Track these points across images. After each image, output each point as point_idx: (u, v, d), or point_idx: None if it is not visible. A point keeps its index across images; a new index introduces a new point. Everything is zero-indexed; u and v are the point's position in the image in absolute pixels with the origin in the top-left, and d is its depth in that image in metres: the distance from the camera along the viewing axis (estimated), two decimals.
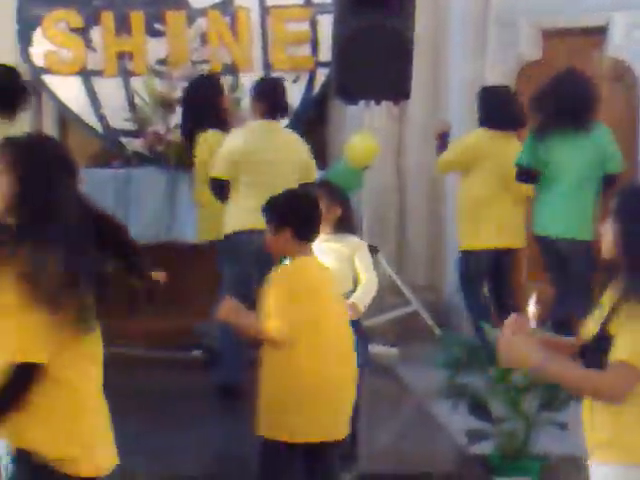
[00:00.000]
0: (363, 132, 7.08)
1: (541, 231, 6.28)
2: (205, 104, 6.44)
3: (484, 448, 4.87)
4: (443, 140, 6.95)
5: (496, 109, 6.67)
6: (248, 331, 4.08)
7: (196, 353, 6.76)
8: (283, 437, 3.94)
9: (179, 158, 7.10)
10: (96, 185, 6.25)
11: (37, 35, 7.66)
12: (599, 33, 7.53)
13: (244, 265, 5.88)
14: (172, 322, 6.74)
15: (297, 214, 4.10)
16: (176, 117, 7.25)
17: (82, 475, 3.17)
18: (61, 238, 2.97)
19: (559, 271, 6.30)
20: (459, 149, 6.71)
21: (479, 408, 4.86)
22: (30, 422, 3.07)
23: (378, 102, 7.16)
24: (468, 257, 6.74)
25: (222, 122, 6.41)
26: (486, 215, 6.59)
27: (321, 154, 7.90)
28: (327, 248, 4.82)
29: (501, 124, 6.61)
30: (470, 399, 4.90)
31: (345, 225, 4.96)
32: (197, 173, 6.32)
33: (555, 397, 4.73)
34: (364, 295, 4.87)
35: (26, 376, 2.95)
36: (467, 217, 6.73)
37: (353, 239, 4.99)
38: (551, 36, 7.72)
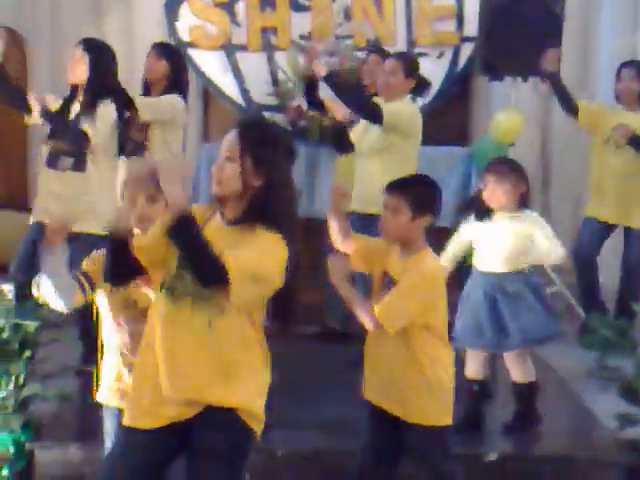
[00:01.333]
0: (509, 109, 6.99)
1: None
2: None
3: (634, 433, 4.76)
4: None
5: None
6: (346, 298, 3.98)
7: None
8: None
9: (322, 133, 7.11)
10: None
11: (183, 10, 7.76)
12: None
13: None
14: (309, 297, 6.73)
15: (438, 204, 4.00)
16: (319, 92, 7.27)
17: (257, 431, 3.33)
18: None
19: None
20: None
21: (630, 392, 4.76)
22: (233, 379, 3.25)
23: (525, 79, 7.05)
24: None
25: None
26: None
27: (465, 130, 7.89)
28: (508, 225, 4.84)
29: None
30: (621, 382, 4.80)
31: (526, 201, 4.90)
32: None
33: None
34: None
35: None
36: None
37: (532, 214, 4.94)
38: None
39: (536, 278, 5.02)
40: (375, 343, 4.04)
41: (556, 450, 4.93)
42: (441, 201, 4.01)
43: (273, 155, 3.21)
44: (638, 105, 6.59)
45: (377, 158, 5.82)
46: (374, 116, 5.76)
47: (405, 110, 5.92)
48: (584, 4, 7.65)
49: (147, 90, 6.32)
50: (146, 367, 3.32)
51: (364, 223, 5.14)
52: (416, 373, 3.94)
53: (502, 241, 4.90)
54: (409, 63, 6.09)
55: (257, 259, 3.10)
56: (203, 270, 3.09)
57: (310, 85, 6.31)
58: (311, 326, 6.58)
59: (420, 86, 6.07)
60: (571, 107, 6.75)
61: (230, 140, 3.19)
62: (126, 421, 3.33)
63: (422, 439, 4.00)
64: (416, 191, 3.96)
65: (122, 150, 5.88)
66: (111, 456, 3.43)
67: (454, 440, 4.40)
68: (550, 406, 5.30)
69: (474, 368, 5.00)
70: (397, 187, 3.99)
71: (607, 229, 6.74)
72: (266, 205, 3.18)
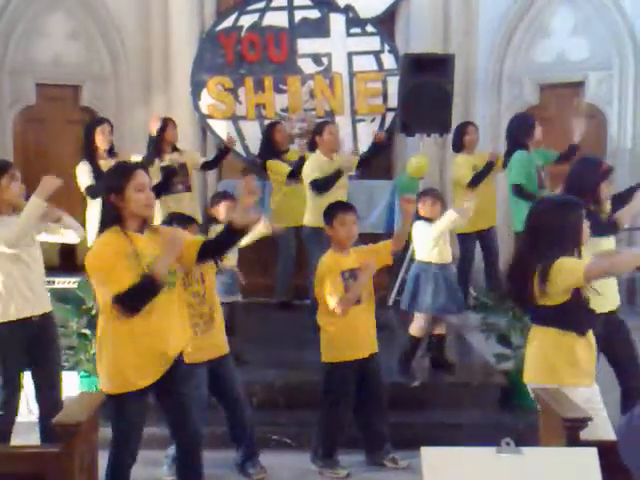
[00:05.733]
0: (418, 155, 6.99)
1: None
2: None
3: (506, 366, 4.82)
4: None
5: None
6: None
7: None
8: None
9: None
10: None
11: (204, 93, 7.67)
12: (579, 86, 7.36)
13: None
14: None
15: None
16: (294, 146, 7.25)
17: None
18: None
19: None
20: None
21: (504, 339, 4.81)
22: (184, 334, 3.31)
23: (428, 135, 7.05)
24: None
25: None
26: None
27: (389, 170, 7.88)
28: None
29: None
30: (497, 333, 4.84)
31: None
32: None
33: None
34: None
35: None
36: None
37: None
38: (546, 88, 7.57)
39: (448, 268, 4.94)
40: (354, 316, 4.02)
41: (457, 378, 4.95)
42: None
43: None
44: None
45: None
46: None
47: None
48: (465, 85, 7.63)
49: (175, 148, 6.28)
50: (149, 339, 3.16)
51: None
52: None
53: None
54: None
55: None
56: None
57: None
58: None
59: None
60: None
61: None
62: (131, 386, 3.12)
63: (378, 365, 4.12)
64: None
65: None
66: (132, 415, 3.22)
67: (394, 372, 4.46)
68: (452, 350, 5.34)
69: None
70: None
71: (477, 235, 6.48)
72: None
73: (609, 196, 4.06)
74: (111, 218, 3.09)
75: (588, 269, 2.96)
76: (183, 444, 3.33)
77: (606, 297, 3.78)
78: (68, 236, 3.89)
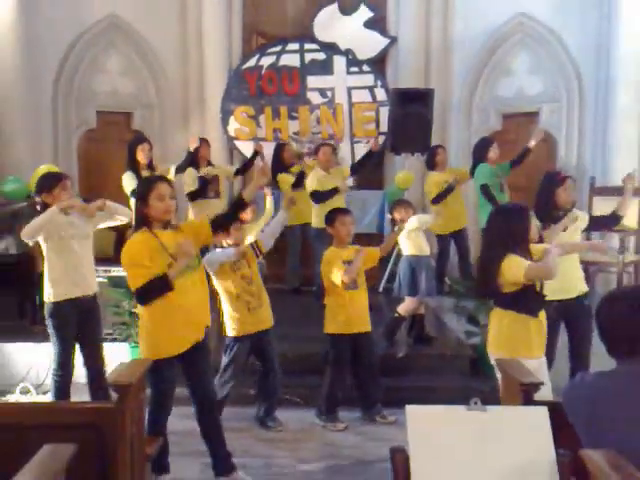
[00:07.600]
0: (404, 170, 6.99)
1: None
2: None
3: (474, 341, 4.80)
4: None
5: None
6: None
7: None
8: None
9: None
10: (260, 198, 6.30)
11: (231, 119, 7.69)
12: (534, 115, 7.34)
13: None
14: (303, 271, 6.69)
15: None
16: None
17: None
18: None
19: None
20: None
21: (472, 319, 4.80)
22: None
23: (412, 154, 7.05)
24: None
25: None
26: None
27: (380, 182, 7.87)
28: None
29: None
30: (467, 314, 4.83)
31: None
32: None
33: None
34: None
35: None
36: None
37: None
38: (507, 117, 7.55)
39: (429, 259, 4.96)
40: (353, 298, 4.05)
41: (435, 350, 4.95)
42: None
43: None
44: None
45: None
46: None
47: None
48: (442, 113, 7.58)
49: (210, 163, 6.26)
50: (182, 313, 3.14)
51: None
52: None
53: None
54: (335, 150, 6.24)
55: None
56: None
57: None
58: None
59: None
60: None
61: None
62: (168, 353, 3.13)
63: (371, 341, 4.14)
64: None
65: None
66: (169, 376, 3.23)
67: (382, 346, 4.44)
68: (431, 328, 5.32)
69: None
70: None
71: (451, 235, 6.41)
72: None
73: (571, 201, 4.00)
74: (140, 220, 3.14)
75: (527, 269, 3.01)
76: (199, 405, 3.34)
77: (569, 285, 3.80)
78: (121, 218, 3.93)
